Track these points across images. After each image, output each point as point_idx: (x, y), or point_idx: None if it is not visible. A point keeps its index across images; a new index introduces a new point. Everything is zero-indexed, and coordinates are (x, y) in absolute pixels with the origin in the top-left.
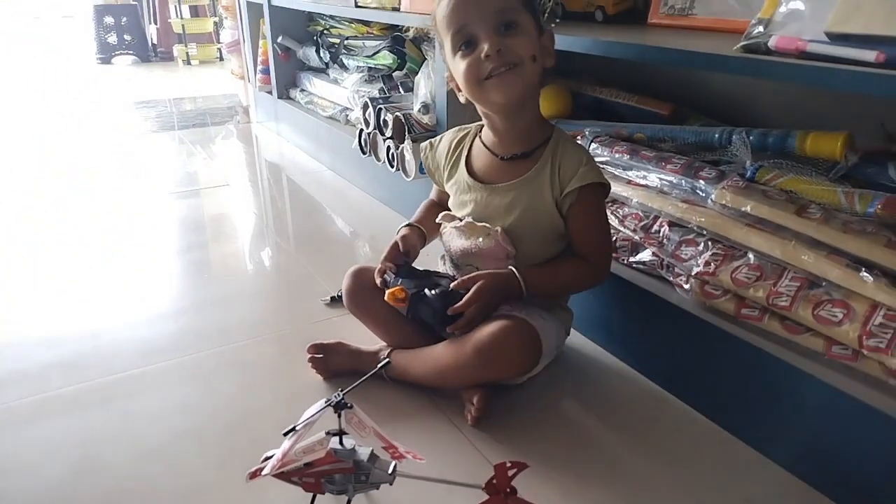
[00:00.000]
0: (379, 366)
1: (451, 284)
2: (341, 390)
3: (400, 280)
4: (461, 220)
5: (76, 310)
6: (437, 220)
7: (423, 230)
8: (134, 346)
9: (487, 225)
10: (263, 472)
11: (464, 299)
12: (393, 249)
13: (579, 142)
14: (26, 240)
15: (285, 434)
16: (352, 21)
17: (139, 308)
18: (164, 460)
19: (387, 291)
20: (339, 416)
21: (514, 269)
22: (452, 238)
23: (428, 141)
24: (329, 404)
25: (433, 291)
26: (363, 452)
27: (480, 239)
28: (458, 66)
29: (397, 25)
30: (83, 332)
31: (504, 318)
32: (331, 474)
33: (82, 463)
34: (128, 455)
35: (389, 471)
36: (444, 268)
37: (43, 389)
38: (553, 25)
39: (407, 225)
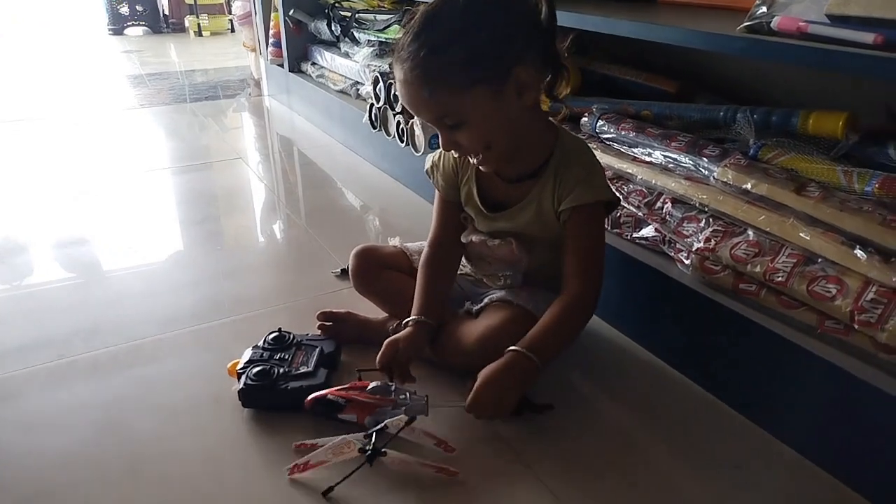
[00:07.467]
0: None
1: (466, 406)
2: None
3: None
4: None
5: (96, 278)
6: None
7: (432, 324)
8: (153, 314)
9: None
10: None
11: (467, 403)
12: (389, 351)
13: (585, 120)
14: (47, 211)
15: (324, 494)
16: None
17: (157, 278)
18: (184, 423)
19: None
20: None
21: (518, 348)
22: (467, 232)
23: (431, 163)
24: (367, 458)
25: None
26: (400, 391)
27: (496, 242)
28: None
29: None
30: (103, 300)
31: (506, 309)
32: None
33: (105, 424)
34: (149, 418)
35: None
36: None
37: (66, 354)
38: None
39: (416, 321)
